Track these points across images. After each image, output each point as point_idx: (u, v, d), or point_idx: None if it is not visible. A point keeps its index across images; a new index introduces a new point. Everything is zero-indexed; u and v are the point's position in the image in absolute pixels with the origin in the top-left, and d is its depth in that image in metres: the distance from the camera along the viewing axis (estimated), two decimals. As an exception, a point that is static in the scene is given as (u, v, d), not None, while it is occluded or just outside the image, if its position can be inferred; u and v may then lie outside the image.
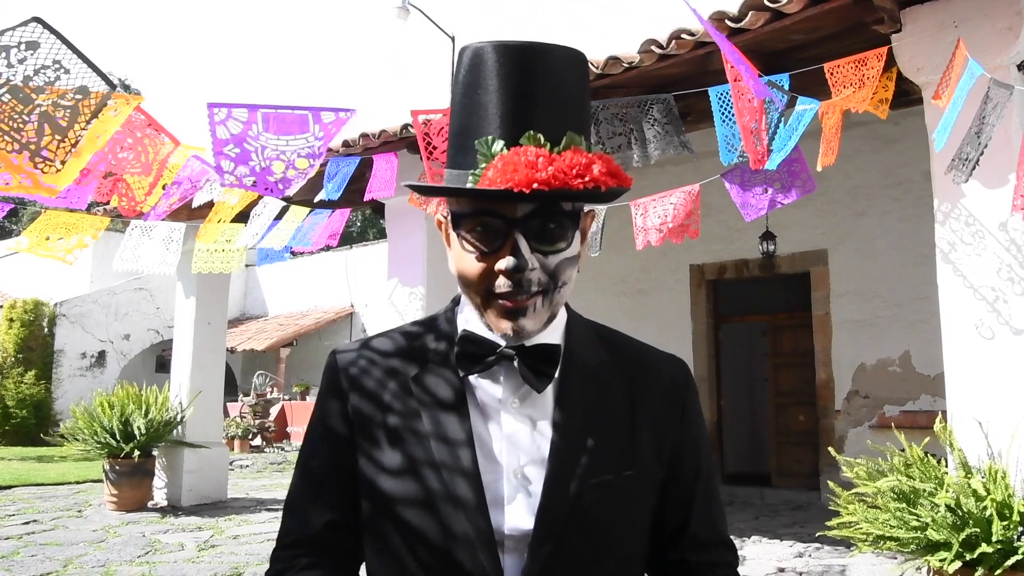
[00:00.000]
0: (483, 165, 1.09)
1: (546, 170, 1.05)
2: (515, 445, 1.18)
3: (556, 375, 1.20)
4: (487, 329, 1.20)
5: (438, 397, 1.21)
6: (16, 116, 2.77)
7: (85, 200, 4.84)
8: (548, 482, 1.15)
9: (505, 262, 1.10)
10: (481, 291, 1.15)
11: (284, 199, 6.84)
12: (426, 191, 1.20)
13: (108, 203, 5.08)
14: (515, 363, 1.17)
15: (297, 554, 1.25)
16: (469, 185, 1.11)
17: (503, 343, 1.18)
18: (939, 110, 4.47)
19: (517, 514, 1.15)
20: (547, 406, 1.20)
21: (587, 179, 1.07)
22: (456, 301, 1.32)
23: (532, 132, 1.09)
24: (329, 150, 7.15)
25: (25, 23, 2.67)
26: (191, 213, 8.42)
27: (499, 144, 1.09)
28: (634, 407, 1.25)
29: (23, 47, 2.67)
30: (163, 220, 6.61)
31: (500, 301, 1.13)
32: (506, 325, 1.14)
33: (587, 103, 1.21)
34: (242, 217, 6.79)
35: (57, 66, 2.76)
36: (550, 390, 1.20)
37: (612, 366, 1.27)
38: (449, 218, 1.20)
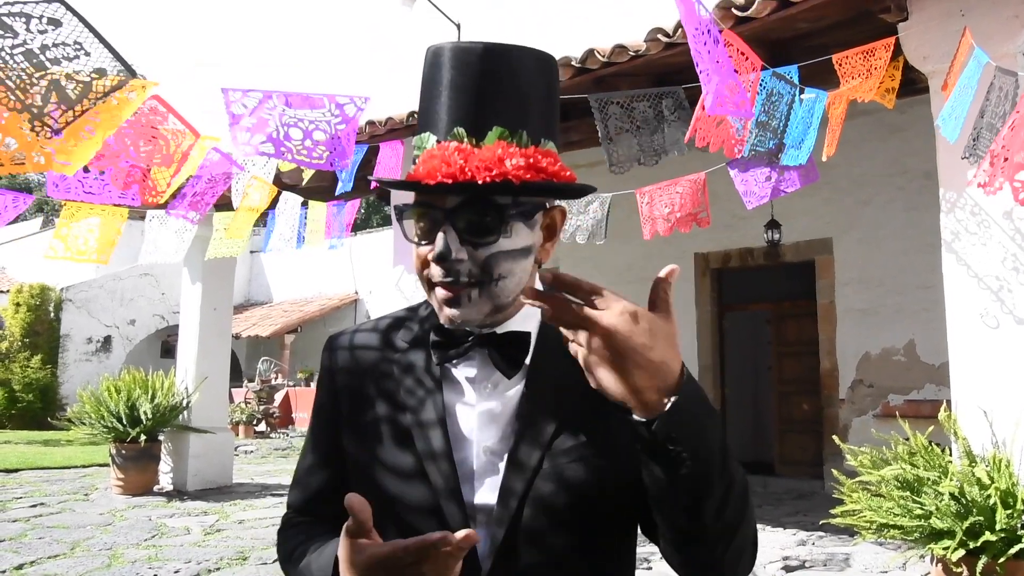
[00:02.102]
0: (416, 161, 1.17)
1: (455, 164, 1.11)
2: (486, 424, 1.23)
3: (528, 360, 1.26)
4: None
5: (416, 379, 1.28)
6: (25, 77, 2.78)
7: (113, 195, 4.88)
8: (509, 457, 1.20)
9: (431, 250, 1.16)
10: (423, 279, 1.21)
11: (301, 193, 6.91)
12: (385, 184, 1.26)
13: (129, 194, 5.11)
14: (487, 351, 1.23)
15: (294, 514, 1.42)
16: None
17: (475, 331, 1.23)
18: (946, 98, 4.47)
19: (486, 490, 1.20)
20: (519, 386, 1.25)
21: (494, 173, 1.11)
22: None
23: (457, 128, 1.14)
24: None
25: (49, 1, 2.67)
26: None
27: (432, 140, 1.16)
28: None
29: (44, 21, 2.68)
30: (184, 214, 6.66)
31: (436, 290, 1.18)
32: (444, 313, 1.18)
33: (544, 100, 1.23)
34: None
35: (78, 46, 2.77)
36: (523, 372, 1.26)
37: None
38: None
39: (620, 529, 1.27)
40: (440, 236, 1.14)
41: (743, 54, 4.10)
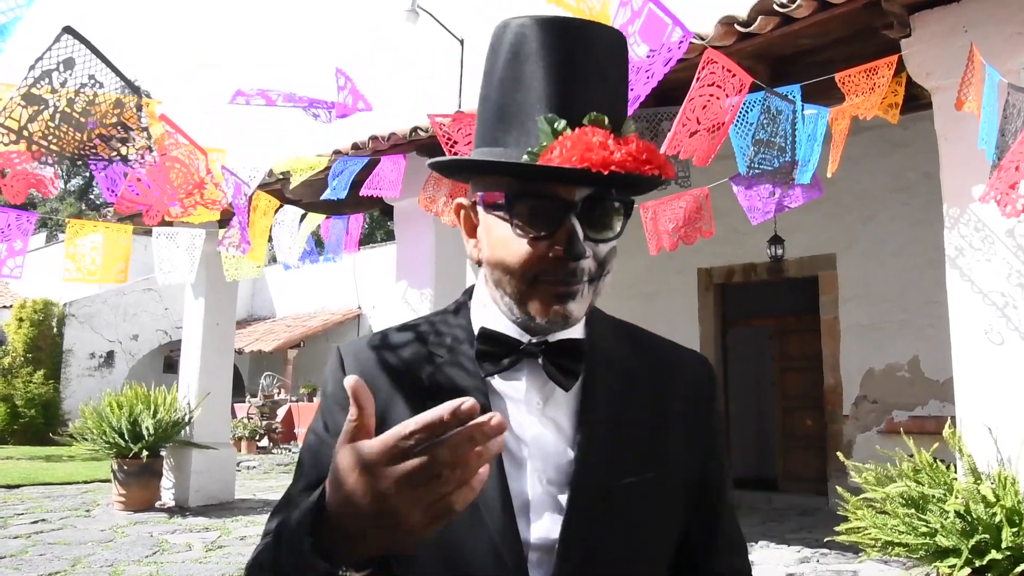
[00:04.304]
0: (544, 143, 1.02)
1: (620, 151, 1.00)
2: (540, 449, 1.11)
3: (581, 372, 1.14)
4: (510, 324, 1.13)
5: (458, 396, 1.11)
6: (82, 145, 2.94)
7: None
8: (573, 490, 1.09)
9: (562, 248, 1.04)
10: (528, 277, 1.07)
11: (301, 206, 6.96)
12: (474, 166, 1.10)
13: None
14: (540, 360, 1.11)
15: None
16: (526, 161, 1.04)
17: (525, 340, 1.12)
18: (955, 116, 4.47)
19: (544, 523, 1.08)
20: (572, 406, 1.13)
21: (654, 165, 1.03)
22: (467, 295, 1.24)
23: (595, 113, 1.03)
24: (337, 152, 7.21)
25: (58, 37, 2.76)
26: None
27: (562, 123, 1.02)
28: (662, 401, 1.19)
29: (61, 67, 2.78)
30: (188, 227, 6.78)
31: (549, 288, 1.06)
32: (557, 308, 1.06)
33: (628, 86, 1.14)
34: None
35: (92, 81, 2.87)
36: (575, 388, 1.13)
37: (636, 359, 1.22)
38: (481, 202, 1.12)
39: (667, 557, 1.19)
40: (568, 231, 1.03)
41: (730, 71, 4.11)
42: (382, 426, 1.07)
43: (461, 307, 1.24)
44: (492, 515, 1.06)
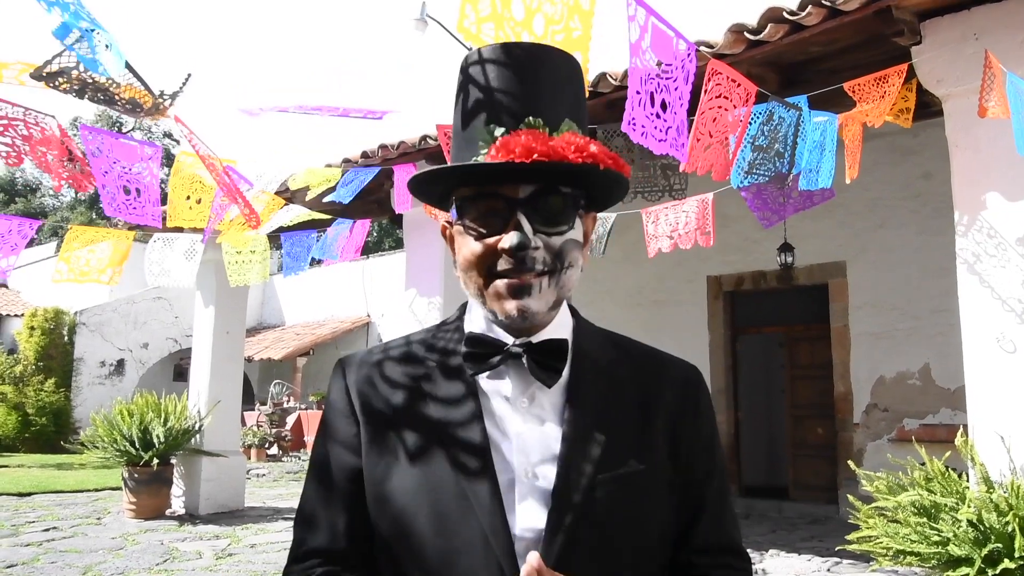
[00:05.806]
0: (484, 150, 1.13)
1: (546, 144, 1.09)
2: (525, 445, 1.17)
3: (565, 372, 1.20)
4: (494, 327, 1.21)
5: (449, 400, 1.20)
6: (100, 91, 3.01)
7: (147, 217, 5.02)
8: (558, 480, 1.14)
9: (508, 239, 1.12)
10: (483, 273, 1.16)
11: (305, 204, 6.94)
12: (425, 177, 1.19)
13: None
14: (523, 360, 1.17)
15: (312, 565, 1.22)
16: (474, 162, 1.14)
17: (510, 342, 1.18)
18: (966, 123, 4.46)
19: (529, 515, 1.13)
20: (557, 404, 1.20)
21: (585, 153, 1.11)
22: (463, 308, 1.32)
23: (531, 118, 1.13)
24: (347, 160, 7.23)
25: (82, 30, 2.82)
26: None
27: (500, 130, 1.13)
28: (646, 404, 1.24)
29: (81, 68, 2.83)
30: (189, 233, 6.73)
31: (503, 280, 1.14)
32: (511, 305, 1.14)
33: (583, 101, 1.25)
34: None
35: (110, 81, 2.91)
36: (560, 389, 1.20)
37: (622, 364, 1.28)
38: (454, 212, 1.22)
39: (661, 556, 1.23)
40: (515, 226, 1.13)
41: (734, 81, 4.11)
42: (381, 429, 1.22)
43: (458, 317, 1.32)
44: (482, 507, 1.12)
